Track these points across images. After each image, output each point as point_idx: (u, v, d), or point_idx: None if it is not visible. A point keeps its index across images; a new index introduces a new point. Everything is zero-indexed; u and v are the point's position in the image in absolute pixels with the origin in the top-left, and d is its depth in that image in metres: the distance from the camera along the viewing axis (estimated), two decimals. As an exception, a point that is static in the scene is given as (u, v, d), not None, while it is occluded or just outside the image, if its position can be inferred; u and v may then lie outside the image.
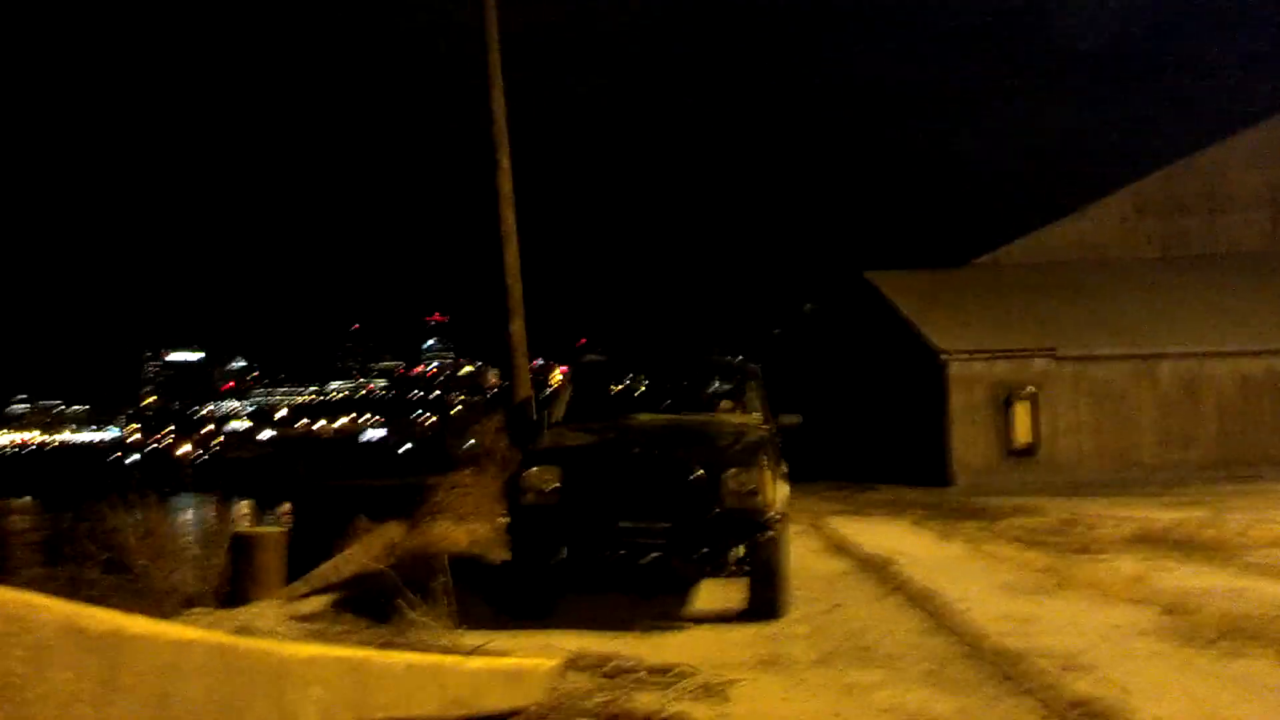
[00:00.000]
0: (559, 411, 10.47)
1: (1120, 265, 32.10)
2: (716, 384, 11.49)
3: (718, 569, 8.46)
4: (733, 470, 8.35)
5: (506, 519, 9.06)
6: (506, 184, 17.33)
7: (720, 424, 9.97)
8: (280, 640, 2.73)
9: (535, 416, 11.36)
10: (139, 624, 2.00)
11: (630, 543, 8.25)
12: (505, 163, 17.35)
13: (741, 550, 8.28)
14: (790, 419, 10.22)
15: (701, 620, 8.59)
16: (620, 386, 11.63)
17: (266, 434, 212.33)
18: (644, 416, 10.36)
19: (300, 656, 2.78)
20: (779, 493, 8.65)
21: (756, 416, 10.30)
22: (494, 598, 8.99)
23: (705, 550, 8.27)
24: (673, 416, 10.51)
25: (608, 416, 10.28)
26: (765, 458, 8.67)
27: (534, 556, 8.48)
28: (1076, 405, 27.28)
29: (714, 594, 9.40)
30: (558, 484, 8.45)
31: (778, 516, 8.41)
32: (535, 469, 8.61)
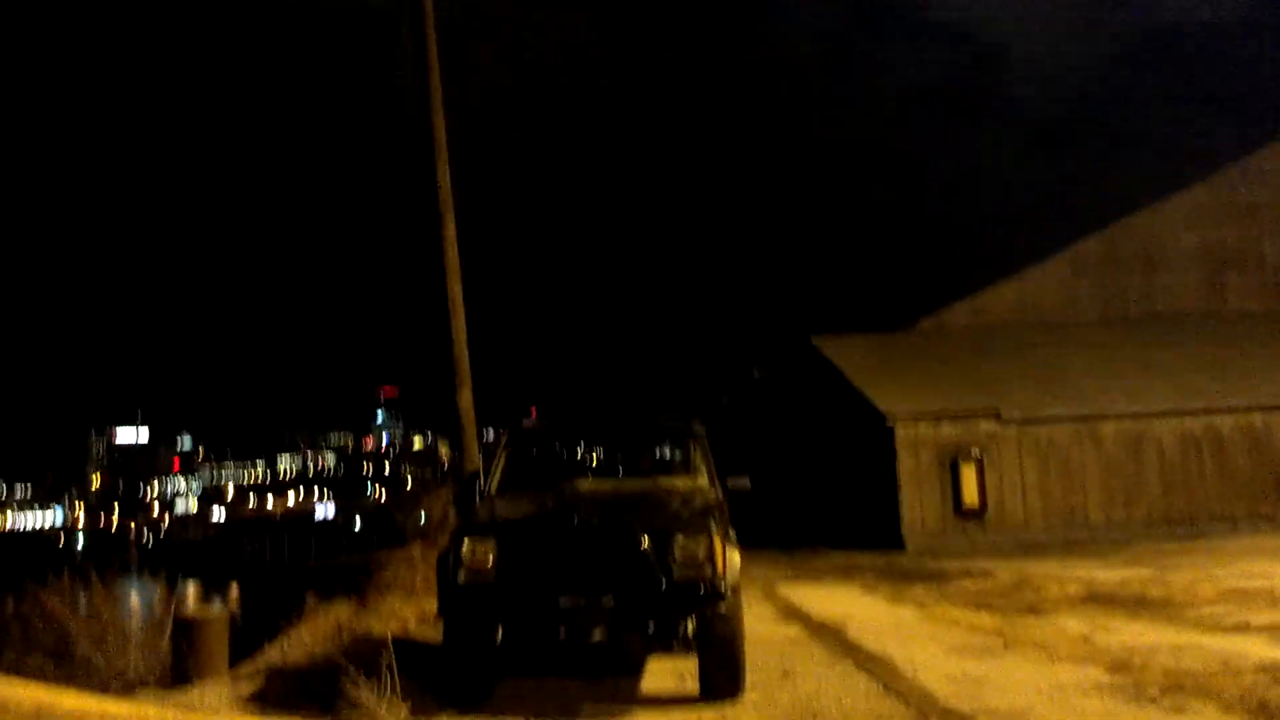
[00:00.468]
0: (495, 481, 9.79)
1: (1061, 326, 32.52)
2: (661, 448, 10.70)
3: (668, 646, 7.99)
4: (680, 538, 7.78)
5: (439, 600, 8.39)
6: (453, 254, 17.39)
7: (666, 489, 9.26)
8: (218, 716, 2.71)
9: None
10: (68, 699, 2.00)
11: (573, 621, 7.67)
12: (451, 232, 17.43)
13: (693, 625, 7.70)
14: (739, 482, 9.65)
15: (652, 702, 8.21)
16: (559, 452, 10.69)
17: (217, 513, 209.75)
18: (585, 483, 9.50)
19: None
20: (731, 561, 7.99)
21: (703, 480, 9.63)
22: (431, 681, 8.45)
23: (654, 626, 7.73)
24: (615, 482, 9.79)
25: (546, 484, 9.34)
26: (714, 524, 7.99)
27: (469, 639, 7.91)
28: (1022, 466, 27.49)
29: (665, 672, 9.06)
30: (492, 559, 7.82)
31: (731, 587, 7.83)
32: (468, 543, 7.93)
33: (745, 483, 9.71)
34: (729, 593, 7.80)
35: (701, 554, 7.76)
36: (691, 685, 8.30)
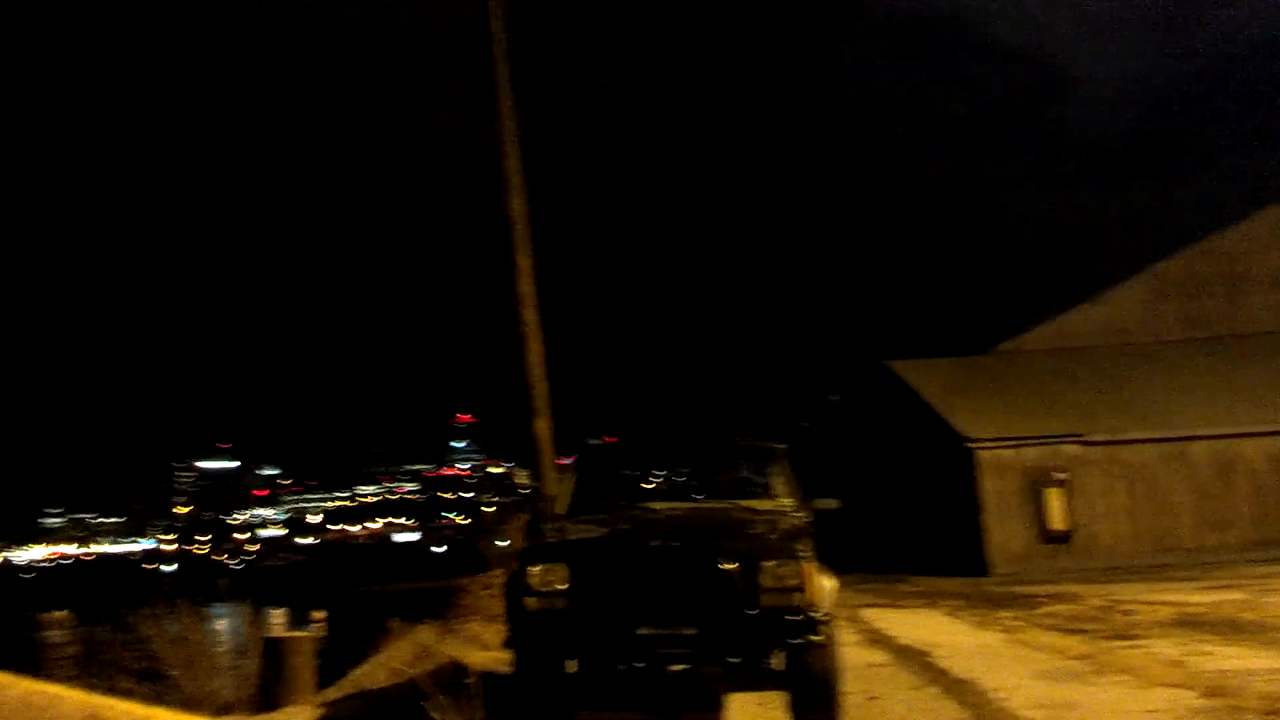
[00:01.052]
0: (563, 503, 9.17)
1: (1143, 348, 31.99)
2: (741, 468, 9.81)
3: (755, 680, 7.35)
4: (770, 562, 7.14)
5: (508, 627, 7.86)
6: (527, 285, 17.46)
7: (749, 512, 8.55)
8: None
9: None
10: (159, 716, 2.03)
11: (651, 652, 7.07)
12: (525, 264, 17.51)
13: (783, 657, 7.07)
14: (827, 503, 8.83)
15: None
16: (633, 473, 9.94)
17: (304, 539, 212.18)
18: (661, 505, 8.79)
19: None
20: (823, 588, 7.36)
21: (789, 502, 8.87)
22: (508, 713, 8.01)
23: (740, 659, 7.11)
24: (693, 505, 9.02)
25: (620, 507, 8.71)
26: (806, 547, 7.41)
27: (540, 670, 7.31)
28: (1110, 490, 27.04)
29: (751, 707, 8.56)
30: (564, 585, 7.23)
31: (825, 616, 7.19)
32: (538, 568, 7.33)
33: (833, 504, 8.88)
34: (823, 622, 7.16)
35: (792, 580, 7.13)
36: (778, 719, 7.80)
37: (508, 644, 7.85)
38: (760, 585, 7.07)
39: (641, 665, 7.17)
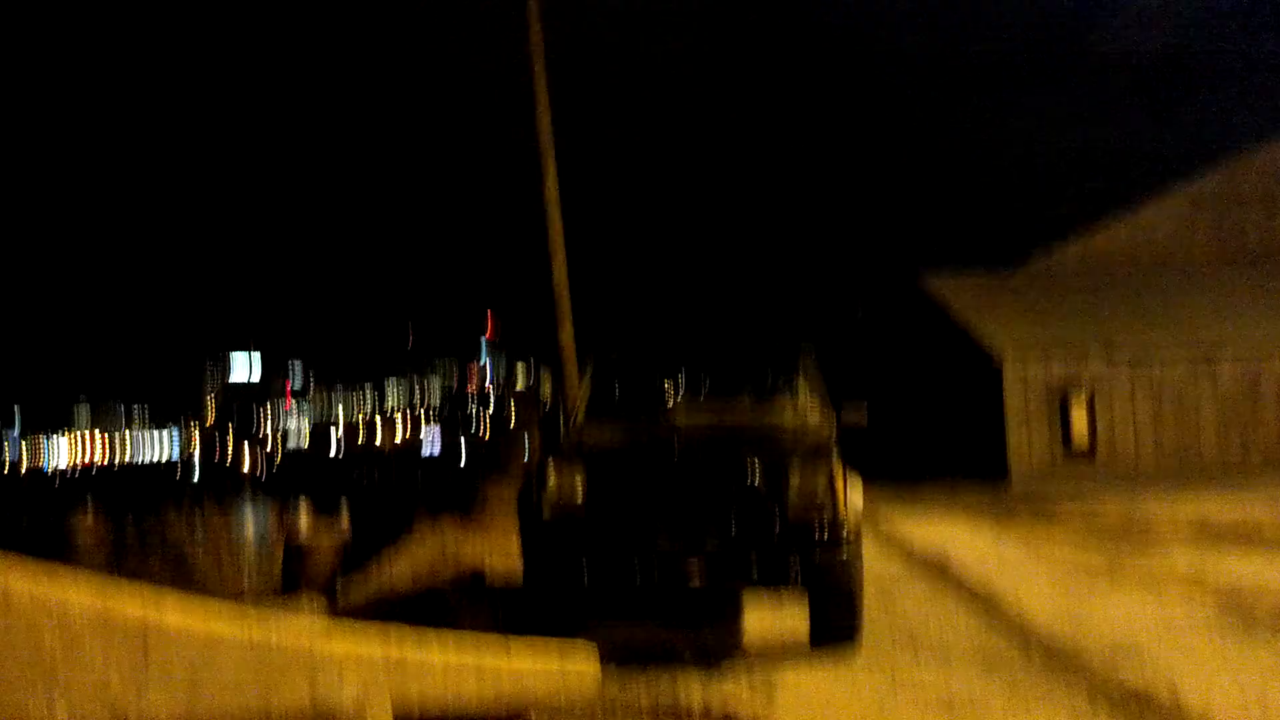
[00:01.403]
0: (580, 409, 8.73)
1: (1176, 264, 31.62)
2: (768, 374, 9.27)
3: (777, 593, 7.19)
4: (796, 472, 6.94)
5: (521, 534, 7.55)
6: (553, 192, 17.42)
7: (775, 420, 8.31)
8: (317, 635, 2.78)
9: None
10: (171, 615, 2.06)
11: (671, 564, 6.85)
12: (552, 170, 17.44)
13: (806, 569, 6.88)
14: (856, 412, 8.42)
15: (757, 652, 7.26)
16: (653, 379, 9.36)
17: (328, 444, 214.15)
18: (683, 412, 8.48)
19: (336, 652, 2.83)
20: (852, 500, 7.14)
21: (815, 409, 8.53)
22: (518, 620, 7.48)
23: (763, 572, 6.91)
24: (717, 412, 8.58)
25: (637, 415, 8.39)
26: (835, 458, 7.18)
27: (552, 580, 7.04)
28: (1135, 405, 26.94)
29: (769, 617, 8.14)
30: (581, 492, 6.98)
31: (853, 529, 6.99)
32: (554, 472, 7.07)
33: (863, 412, 8.42)
34: (851, 535, 6.95)
35: (820, 490, 6.90)
36: (798, 631, 7.49)
37: (521, 550, 7.33)
38: (787, 496, 6.87)
39: (661, 577, 6.94)
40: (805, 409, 8.57)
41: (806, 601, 7.10)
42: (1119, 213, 33.60)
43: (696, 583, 6.96)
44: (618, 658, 6.63)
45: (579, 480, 7.01)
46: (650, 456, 7.29)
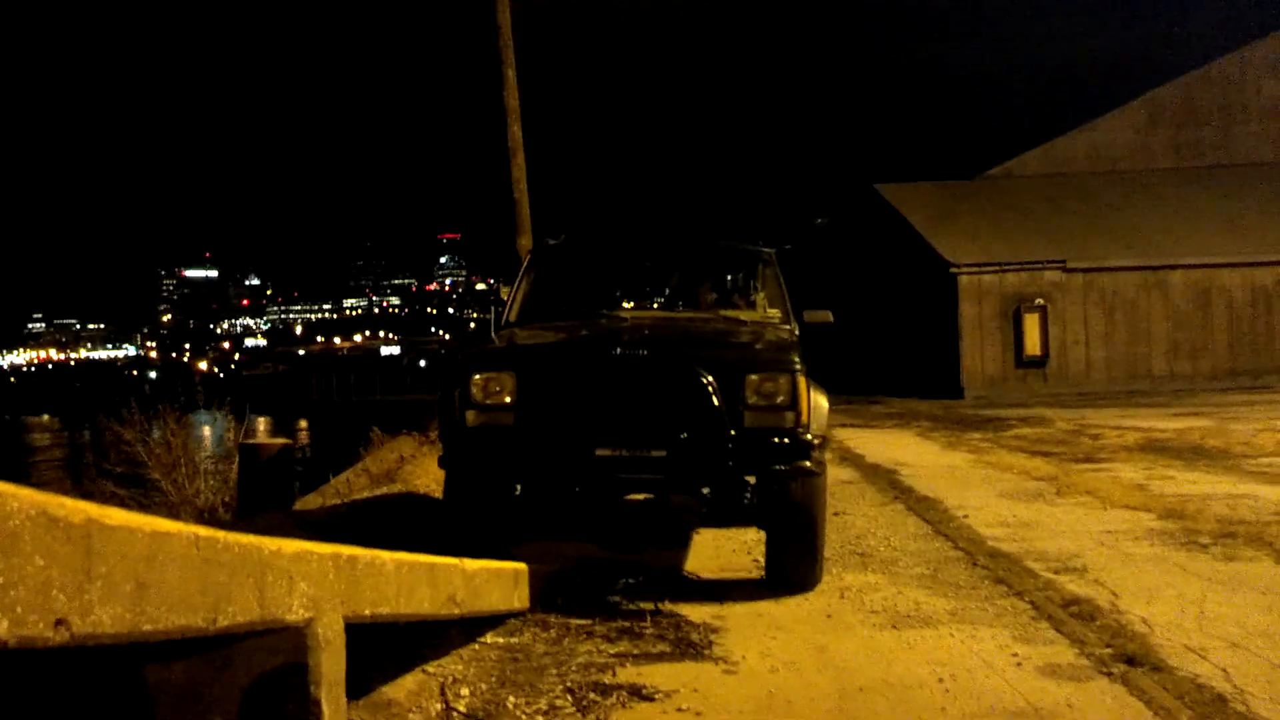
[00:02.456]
0: (514, 309, 7.81)
1: (1133, 176, 31.80)
2: (723, 275, 8.49)
3: (729, 514, 6.61)
4: (756, 376, 6.10)
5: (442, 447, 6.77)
6: (513, 98, 17.22)
7: (731, 322, 7.45)
8: (266, 538, 2.78)
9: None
10: (115, 515, 2.06)
11: (611, 477, 6.19)
12: (511, 76, 17.22)
13: (763, 489, 6.34)
14: (819, 315, 7.50)
15: (699, 585, 6.65)
16: (597, 277, 8.54)
17: (285, 351, 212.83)
18: (629, 313, 7.50)
19: (285, 551, 2.83)
20: (817, 407, 6.36)
21: (775, 313, 7.74)
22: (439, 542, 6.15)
23: (715, 488, 6.32)
24: (667, 314, 7.77)
25: (578, 313, 7.48)
26: (797, 359, 6.28)
27: (478, 497, 6.41)
28: (1086, 316, 27.24)
29: (714, 547, 7.75)
30: (511, 397, 6.15)
31: (817, 439, 6.20)
32: (480, 376, 6.22)
33: (826, 316, 7.51)
34: (815, 446, 6.16)
35: (782, 395, 6.09)
36: (747, 563, 7.21)
37: (441, 463, 6.57)
38: (744, 400, 6.04)
39: (599, 493, 6.49)
40: (765, 309, 7.84)
41: (765, 528, 6.49)
42: (1078, 124, 33.66)
43: (638, 496, 6.48)
44: (559, 573, 6.61)
45: (508, 383, 6.18)
46: (590, 355, 6.43)
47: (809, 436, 6.10)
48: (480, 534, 6.21)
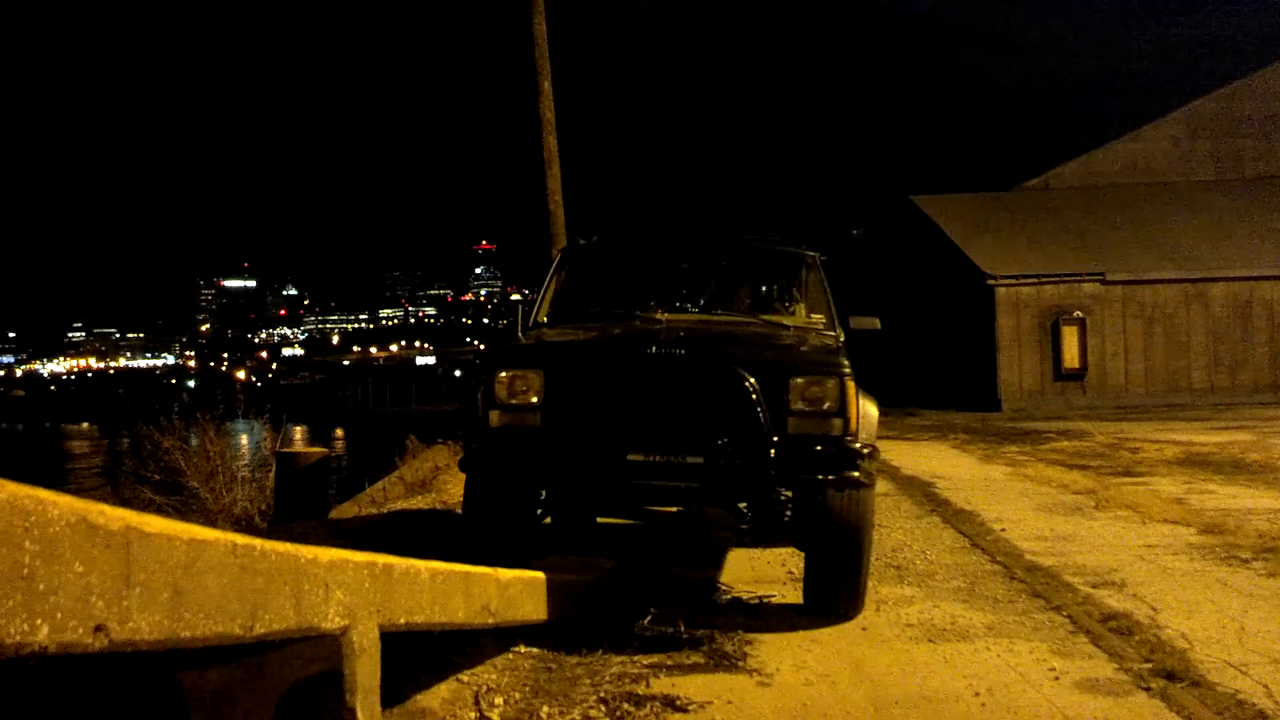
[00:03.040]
0: (543, 309, 7.40)
1: (1172, 188, 31.53)
2: (764, 278, 7.97)
3: (766, 531, 6.33)
4: (802, 379, 5.65)
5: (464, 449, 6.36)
6: (548, 110, 17.27)
7: (773, 326, 6.92)
8: (303, 546, 2.80)
9: None
10: (153, 523, 2.07)
11: (643, 484, 5.75)
12: (547, 87, 17.28)
13: (803, 503, 5.99)
14: (866, 322, 7.10)
15: (735, 610, 6.12)
16: (631, 279, 8.06)
17: (325, 360, 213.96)
18: (663, 315, 6.85)
19: (322, 560, 2.84)
20: (866, 415, 6.00)
21: (819, 319, 7.24)
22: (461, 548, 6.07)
23: (754, 499, 6.03)
24: (704, 316, 7.12)
25: (611, 316, 6.96)
26: (846, 364, 5.83)
27: (500, 504, 6.06)
28: (1125, 329, 27.02)
29: (750, 566, 7.35)
30: (538, 397, 5.75)
31: (866, 449, 5.74)
32: (505, 374, 5.81)
33: (874, 323, 7.12)
34: (864, 458, 5.68)
35: (830, 401, 5.63)
36: (781, 575, 6.99)
37: (462, 466, 6.20)
38: (788, 405, 5.59)
39: (630, 503, 6.14)
40: (808, 315, 7.33)
41: (805, 548, 6.16)
42: (1117, 135, 33.42)
43: (671, 508, 6.05)
44: (592, 584, 6.53)
45: (535, 381, 5.78)
46: (623, 353, 6.03)
47: (857, 445, 5.64)
48: (501, 543, 5.83)
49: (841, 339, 6.88)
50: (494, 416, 5.79)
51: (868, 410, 6.06)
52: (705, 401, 5.65)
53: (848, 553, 5.88)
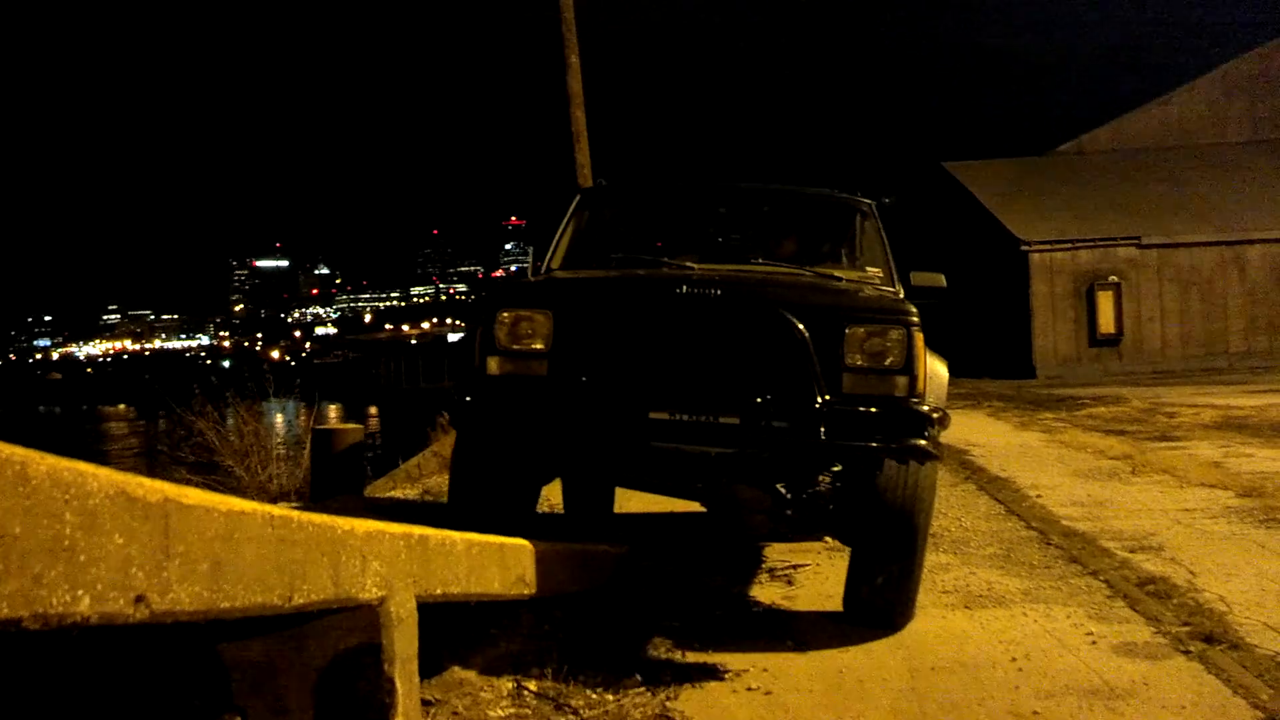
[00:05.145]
0: (558, 255, 6.35)
1: (1207, 149, 31.20)
2: (812, 229, 6.92)
3: (807, 516, 5.47)
4: (861, 328, 4.73)
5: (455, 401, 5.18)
6: (576, 83, 17.21)
7: (823, 277, 5.68)
8: (339, 518, 2.82)
9: None
10: (192, 494, 2.09)
11: (666, 450, 4.71)
12: (575, 61, 17.21)
13: (851, 476, 5.21)
14: (928, 278, 6.09)
15: (763, 619, 5.31)
16: (658, 225, 7.09)
17: (358, 338, 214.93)
18: (695, 265, 5.58)
19: (358, 531, 2.86)
20: (935, 375, 5.18)
21: (876, 272, 6.18)
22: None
23: (800, 472, 5.18)
24: (741, 267, 5.78)
25: (635, 263, 5.80)
26: (914, 312, 4.90)
27: (495, 465, 5.19)
28: (1161, 293, 26.80)
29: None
30: (545, 343, 4.85)
31: (936, 414, 4.75)
32: (507, 314, 4.90)
33: (939, 279, 6.14)
34: (932, 423, 4.70)
35: (892, 356, 4.72)
36: (815, 545, 6.51)
37: (453, 422, 5.46)
38: (843, 359, 4.69)
39: (650, 470, 5.12)
40: (863, 271, 6.23)
41: (851, 534, 5.34)
42: (1149, 98, 33.07)
43: (698, 483, 5.12)
44: (626, 555, 6.30)
45: (543, 324, 4.88)
46: (648, 293, 5.09)
47: (925, 409, 4.68)
48: (493, 514, 4.87)
49: (901, 295, 5.81)
50: (493, 364, 4.90)
51: (936, 369, 5.28)
52: (744, 351, 4.76)
53: (902, 545, 5.02)
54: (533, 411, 4.82)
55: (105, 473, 1.81)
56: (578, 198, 6.89)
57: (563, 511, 7.64)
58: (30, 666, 2.77)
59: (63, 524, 1.69)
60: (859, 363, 4.68)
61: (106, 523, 1.78)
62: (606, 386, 4.71)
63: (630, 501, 7.93)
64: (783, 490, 5.21)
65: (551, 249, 6.43)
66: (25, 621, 1.64)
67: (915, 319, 4.81)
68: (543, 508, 7.51)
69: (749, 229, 6.69)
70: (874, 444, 4.60)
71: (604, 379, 4.72)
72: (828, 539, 6.66)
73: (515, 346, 4.86)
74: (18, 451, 1.63)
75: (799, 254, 6.43)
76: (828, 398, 4.58)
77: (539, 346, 4.84)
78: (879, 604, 5.12)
